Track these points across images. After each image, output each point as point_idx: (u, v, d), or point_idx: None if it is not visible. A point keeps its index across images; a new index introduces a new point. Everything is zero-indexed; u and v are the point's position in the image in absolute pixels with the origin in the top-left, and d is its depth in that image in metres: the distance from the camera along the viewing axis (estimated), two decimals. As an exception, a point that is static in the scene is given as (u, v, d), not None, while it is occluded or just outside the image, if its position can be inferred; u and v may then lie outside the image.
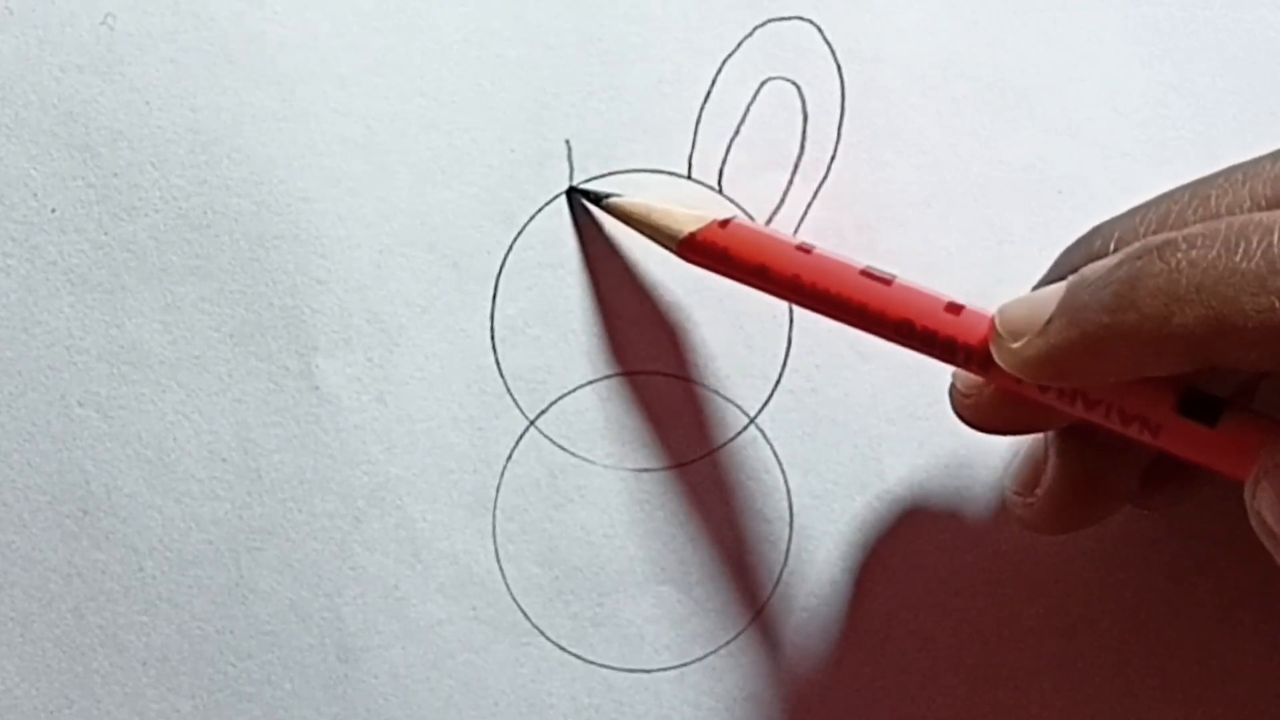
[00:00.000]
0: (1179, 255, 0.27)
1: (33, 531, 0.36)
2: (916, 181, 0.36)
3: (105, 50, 0.35)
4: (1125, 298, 0.27)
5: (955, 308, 0.31)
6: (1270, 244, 0.26)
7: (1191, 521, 0.36)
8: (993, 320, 0.31)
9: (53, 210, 0.36)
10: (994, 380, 0.31)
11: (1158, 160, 0.36)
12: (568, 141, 0.36)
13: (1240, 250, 0.26)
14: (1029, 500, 0.33)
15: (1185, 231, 0.27)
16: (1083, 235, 0.31)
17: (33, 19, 0.35)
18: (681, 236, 0.34)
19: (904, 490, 0.36)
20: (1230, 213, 0.28)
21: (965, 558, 0.36)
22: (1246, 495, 0.28)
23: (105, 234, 0.36)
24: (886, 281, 0.32)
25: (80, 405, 0.36)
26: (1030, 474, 0.33)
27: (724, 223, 0.33)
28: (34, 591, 0.36)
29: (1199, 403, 0.29)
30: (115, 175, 0.36)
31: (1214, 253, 0.27)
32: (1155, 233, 0.29)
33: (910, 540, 0.36)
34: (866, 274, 0.32)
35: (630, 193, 0.35)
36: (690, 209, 0.34)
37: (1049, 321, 0.29)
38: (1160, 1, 0.37)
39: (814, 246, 0.33)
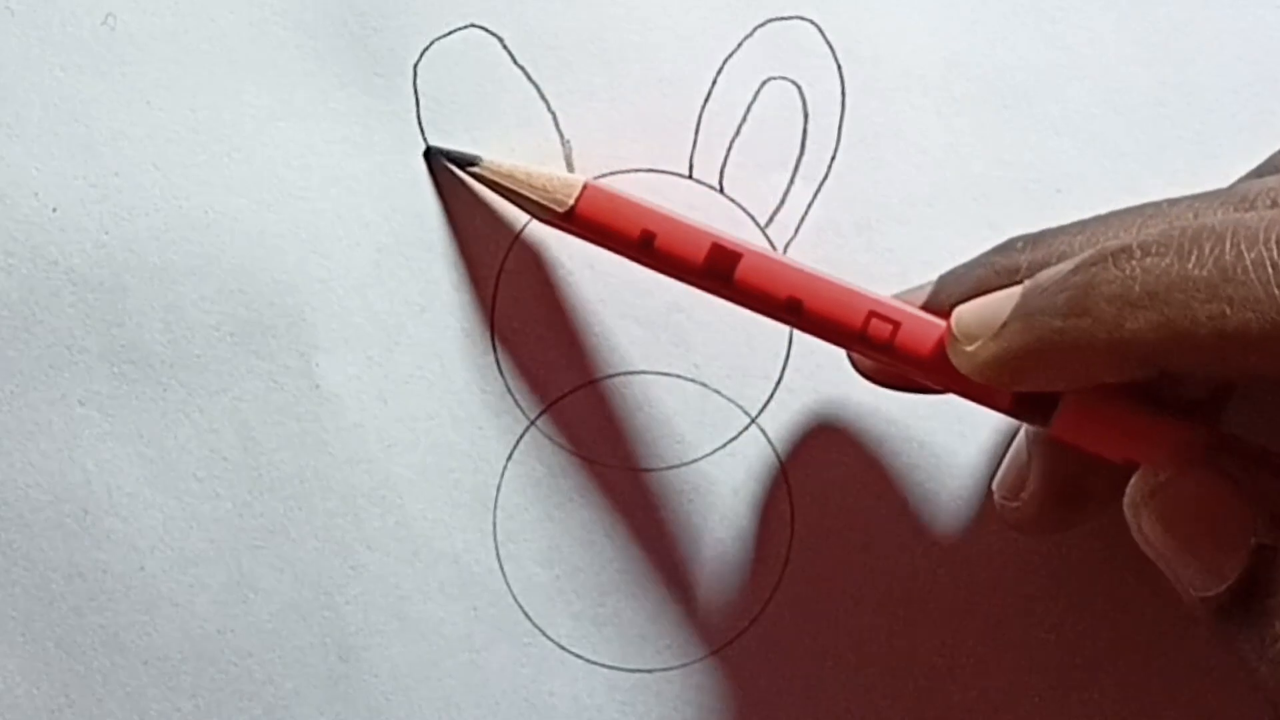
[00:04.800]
0: (1133, 262, 0.27)
1: (33, 531, 0.36)
2: (916, 181, 0.36)
3: (106, 50, 0.35)
4: (1079, 303, 0.27)
5: (878, 306, 0.32)
6: (1223, 251, 0.26)
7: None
8: (949, 322, 0.31)
9: (54, 210, 0.36)
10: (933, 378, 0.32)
11: (1158, 160, 0.36)
12: (568, 141, 0.36)
13: (1193, 257, 0.26)
14: (1015, 504, 0.33)
15: (1139, 238, 0.27)
16: (1030, 235, 0.31)
17: (34, 19, 0.35)
18: (565, 208, 0.33)
19: (904, 490, 0.36)
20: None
21: (966, 557, 0.36)
22: (1128, 516, 0.29)
23: (106, 233, 0.36)
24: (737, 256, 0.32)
25: (81, 404, 0.36)
26: (1015, 479, 0.33)
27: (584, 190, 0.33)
28: (35, 591, 0.36)
29: (1032, 400, 0.30)
30: (116, 175, 0.36)
31: (1168, 260, 0.27)
32: (1094, 243, 0.29)
33: (911, 540, 0.36)
34: (718, 248, 0.32)
35: (495, 156, 0.35)
36: (552, 177, 0.34)
37: (1003, 325, 0.29)
38: (1160, 1, 0.37)
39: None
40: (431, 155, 0.36)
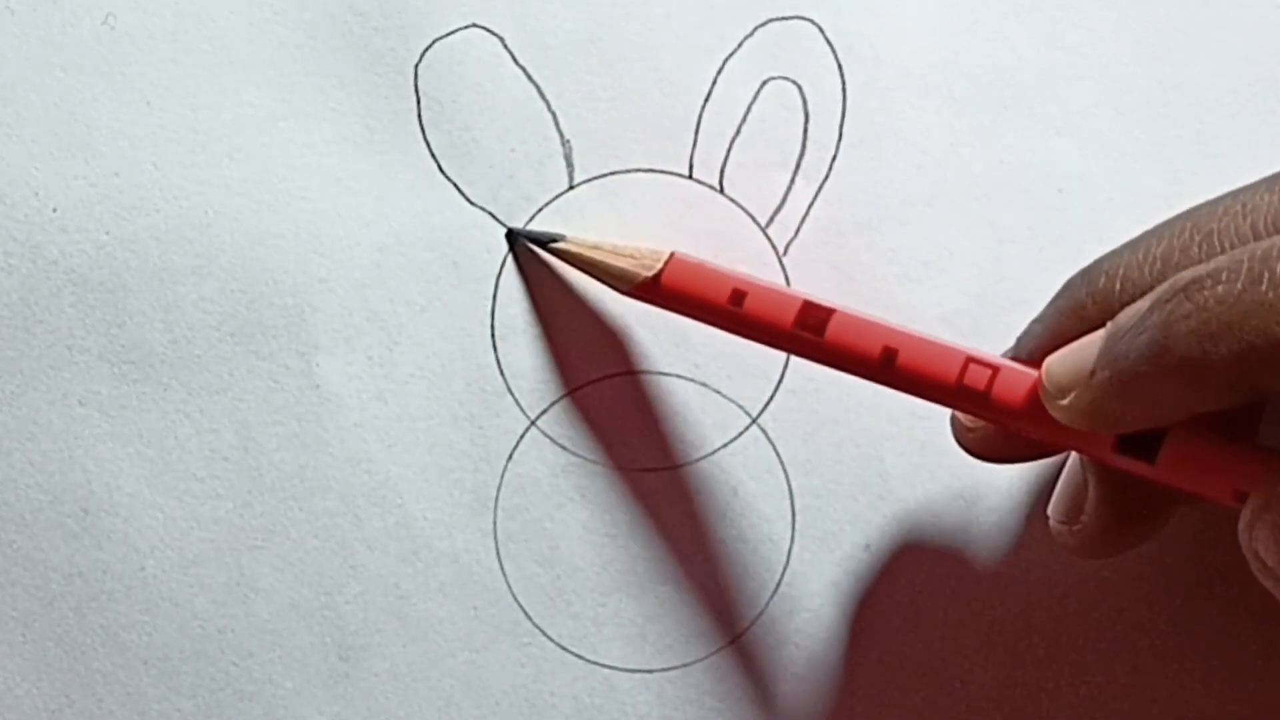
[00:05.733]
0: (1205, 293, 0.27)
1: (34, 531, 0.36)
2: (917, 181, 0.36)
3: (106, 50, 0.35)
4: (1160, 343, 0.28)
5: (977, 362, 0.32)
6: None
7: (1209, 525, 0.36)
8: (1040, 378, 0.31)
9: (54, 209, 0.36)
10: (1009, 425, 0.32)
11: (1158, 160, 0.36)
12: (568, 141, 0.36)
13: (1265, 280, 0.27)
14: (1075, 528, 0.33)
15: (1209, 267, 0.27)
16: (1084, 270, 0.31)
17: (34, 19, 0.35)
18: (636, 282, 0.34)
19: (906, 491, 0.36)
20: (1235, 247, 0.29)
21: (966, 558, 0.36)
22: (1241, 536, 0.29)
23: (106, 233, 0.36)
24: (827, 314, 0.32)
25: (81, 404, 0.36)
26: (1072, 503, 0.33)
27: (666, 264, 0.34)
28: (35, 591, 0.36)
29: (1135, 442, 0.30)
30: (116, 175, 0.36)
31: (1239, 286, 0.27)
32: (1159, 270, 0.29)
33: (912, 541, 0.36)
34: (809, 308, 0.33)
35: (574, 231, 0.36)
36: (635, 250, 0.34)
37: (1092, 374, 0.29)
38: (1160, 1, 0.37)
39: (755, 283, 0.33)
40: (513, 238, 0.36)
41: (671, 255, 0.34)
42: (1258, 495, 0.29)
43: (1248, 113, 0.36)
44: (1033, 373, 0.31)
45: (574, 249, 0.35)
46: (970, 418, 0.33)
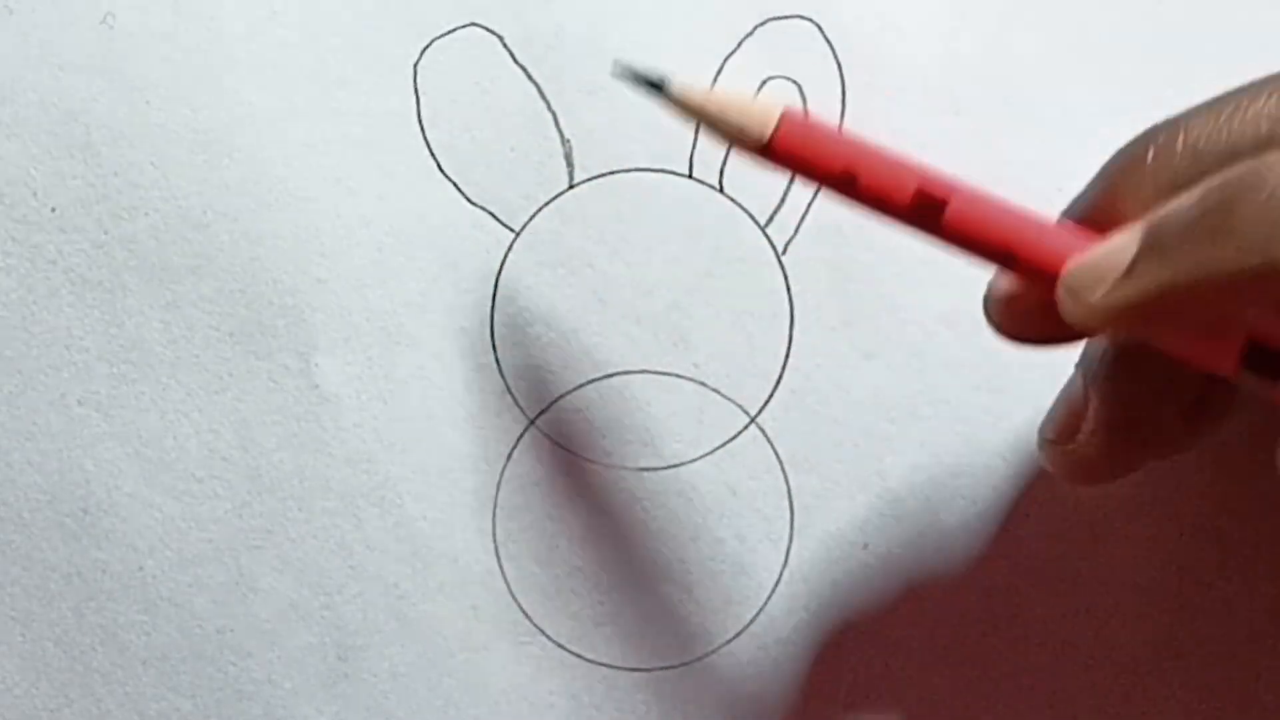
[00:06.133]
0: (1271, 176, 0.25)
1: (33, 531, 0.36)
2: (917, 181, 0.36)
3: (105, 49, 0.35)
4: (1220, 229, 0.25)
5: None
6: None
7: (1207, 524, 0.36)
8: (1060, 278, 0.28)
9: (53, 209, 0.36)
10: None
11: (1158, 160, 0.36)
12: (568, 141, 0.36)
13: None
14: (1069, 448, 0.31)
15: (1272, 156, 0.25)
16: (1129, 143, 0.29)
17: (33, 18, 0.35)
18: (765, 139, 0.30)
19: (905, 490, 0.36)
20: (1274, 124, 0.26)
21: (966, 557, 0.36)
22: None
23: (105, 233, 0.36)
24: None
25: (80, 404, 0.36)
26: (1069, 420, 0.31)
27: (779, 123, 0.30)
28: (34, 590, 0.36)
29: (1266, 355, 0.27)
30: (115, 174, 0.36)
31: None
32: (1206, 146, 0.27)
33: (911, 540, 0.36)
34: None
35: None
36: (745, 101, 0.30)
37: (1133, 264, 0.27)
38: (1160, 1, 0.37)
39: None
40: (617, 73, 0.31)
41: (782, 118, 0.30)
42: None
43: (1247, 113, 0.36)
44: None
45: (679, 100, 0.30)
46: (1007, 289, 0.31)
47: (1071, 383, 0.32)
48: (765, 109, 0.30)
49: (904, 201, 0.30)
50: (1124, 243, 0.27)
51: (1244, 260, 0.25)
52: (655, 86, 0.31)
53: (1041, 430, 0.32)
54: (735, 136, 0.30)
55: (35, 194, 0.36)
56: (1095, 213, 0.29)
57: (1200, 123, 0.28)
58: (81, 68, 0.35)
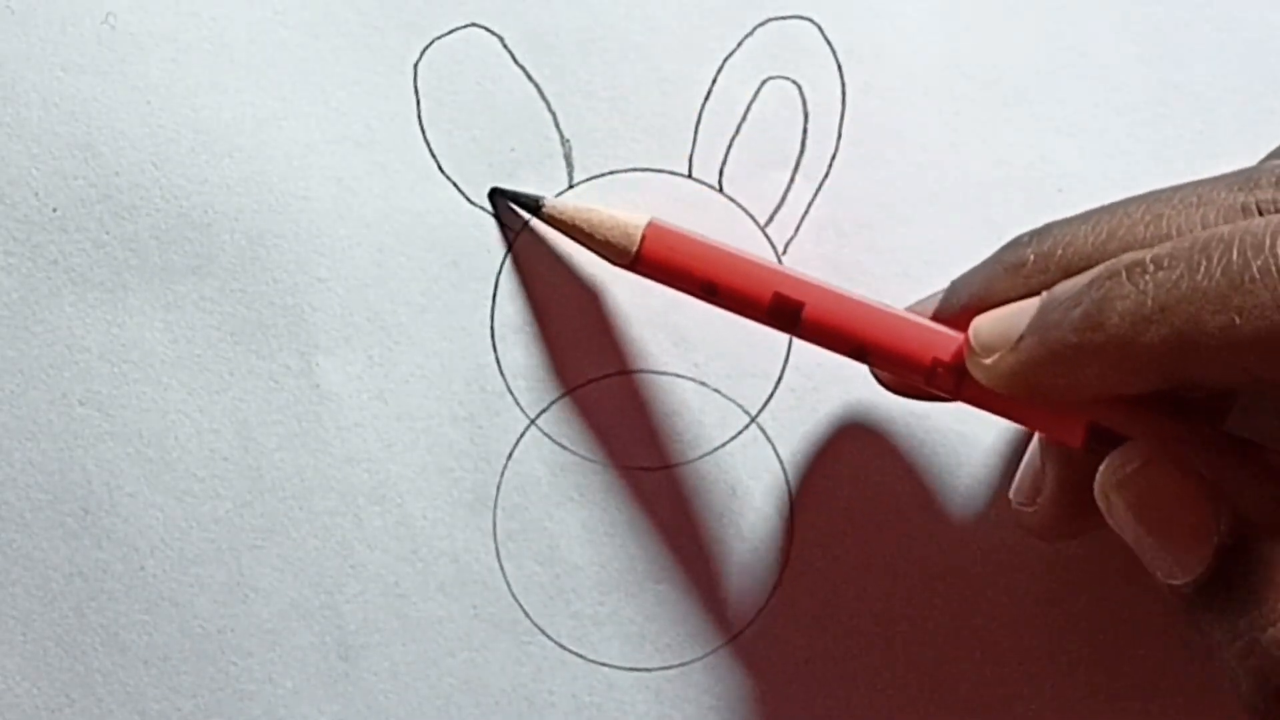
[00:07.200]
0: (1146, 277, 0.27)
1: (33, 531, 0.36)
2: (917, 180, 0.36)
3: (106, 50, 0.36)
4: (1093, 318, 0.28)
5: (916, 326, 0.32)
6: (1230, 261, 0.27)
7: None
8: (967, 336, 0.31)
9: (54, 209, 0.36)
10: (962, 395, 0.32)
11: (1158, 160, 0.36)
12: (568, 141, 0.36)
13: (1202, 268, 0.27)
14: (1032, 510, 0.33)
15: (1153, 252, 0.28)
16: (1034, 230, 0.31)
17: (34, 18, 0.35)
18: (632, 252, 0.34)
19: (904, 489, 0.36)
20: (1181, 234, 0.29)
21: (965, 557, 0.36)
22: (1099, 501, 0.29)
23: (106, 233, 0.36)
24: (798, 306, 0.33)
25: (81, 404, 0.36)
26: (1030, 485, 0.33)
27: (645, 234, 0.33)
28: (35, 590, 0.36)
29: (1105, 437, 0.30)
30: (116, 174, 0.36)
31: (1178, 272, 0.27)
32: (1105, 243, 0.30)
33: (911, 540, 0.36)
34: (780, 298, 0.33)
35: (563, 196, 0.36)
36: (615, 215, 0.34)
37: (1020, 339, 0.29)
38: (1160, 1, 0.37)
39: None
40: (495, 196, 0.36)
41: (646, 231, 0.33)
42: (1114, 462, 0.29)
43: (1248, 113, 0.36)
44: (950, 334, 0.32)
45: (555, 216, 0.35)
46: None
47: (1033, 449, 0.34)
48: (630, 225, 0.33)
49: (763, 305, 0.33)
50: (1019, 314, 0.30)
51: (1109, 349, 0.28)
52: (530, 207, 0.35)
53: (1011, 492, 0.34)
54: (603, 252, 0.34)
55: (37, 194, 0.36)
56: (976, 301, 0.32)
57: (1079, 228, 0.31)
58: (83, 68, 0.35)
